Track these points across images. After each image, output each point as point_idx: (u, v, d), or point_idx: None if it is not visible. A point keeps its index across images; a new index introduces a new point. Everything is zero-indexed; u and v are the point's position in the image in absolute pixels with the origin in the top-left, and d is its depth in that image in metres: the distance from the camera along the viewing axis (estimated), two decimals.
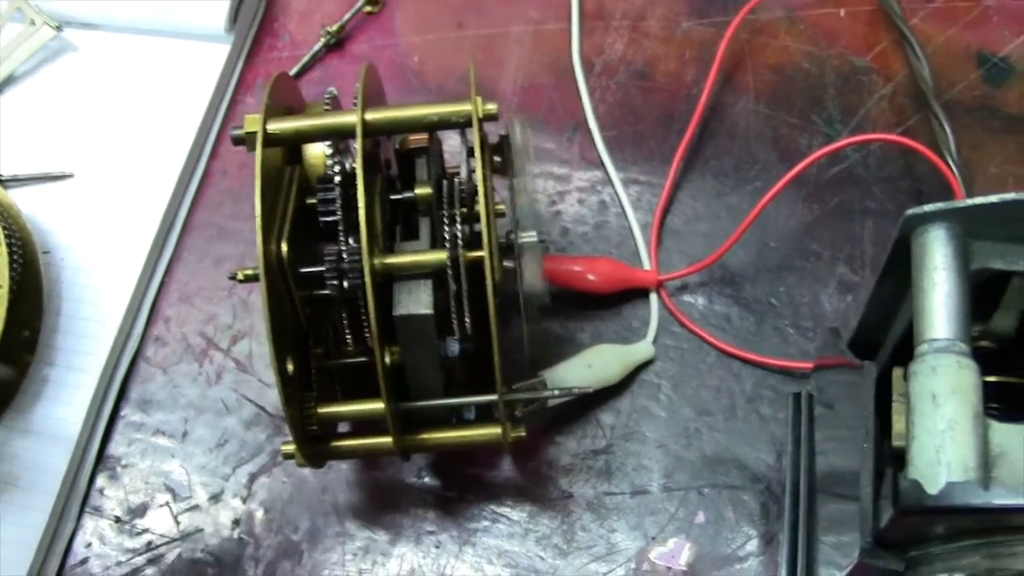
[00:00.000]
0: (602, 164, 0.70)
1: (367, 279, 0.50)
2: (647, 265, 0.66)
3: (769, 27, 0.73)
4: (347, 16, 0.75)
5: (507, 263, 0.56)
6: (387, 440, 0.55)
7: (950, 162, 0.64)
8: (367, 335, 0.53)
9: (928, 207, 0.43)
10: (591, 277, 0.64)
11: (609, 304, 0.66)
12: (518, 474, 0.63)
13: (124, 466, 0.65)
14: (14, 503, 0.64)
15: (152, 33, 0.76)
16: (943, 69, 0.70)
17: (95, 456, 0.65)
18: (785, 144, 0.69)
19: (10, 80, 0.75)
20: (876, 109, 0.70)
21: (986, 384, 0.46)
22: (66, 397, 0.66)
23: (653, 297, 0.66)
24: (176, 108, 0.73)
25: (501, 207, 0.57)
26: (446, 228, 0.52)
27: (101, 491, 0.65)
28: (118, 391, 0.67)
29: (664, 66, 0.73)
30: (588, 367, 0.62)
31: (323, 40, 0.75)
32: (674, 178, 0.68)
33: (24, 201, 0.71)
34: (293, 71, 0.75)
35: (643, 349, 0.64)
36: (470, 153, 0.57)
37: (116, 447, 0.66)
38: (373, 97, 0.57)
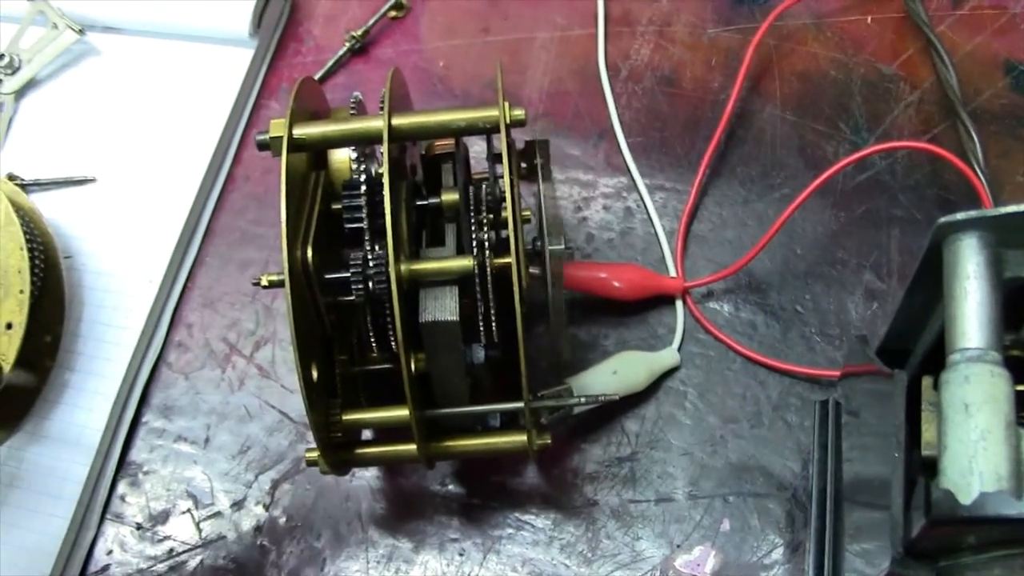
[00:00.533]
0: (628, 170, 0.69)
1: (393, 285, 0.49)
2: (673, 272, 0.66)
3: (796, 34, 0.73)
4: (372, 21, 0.75)
5: (533, 269, 0.55)
6: (412, 447, 0.54)
7: (977, 170, 0.64)
8: (392, 341, 0.53)
9: (960, 215, 0.42)
10: (616, 284, 0.64)
11: (634, 311, 0.65)
12: (543, 481, 0.62)
13: (146, 472, 0.65)
14: (35, 509, 0.64)
15: (175, 37, 0.76)
16: (970, 77, 0.69)
17: (116, 462, 0.65)
18: (812, 151, 0.69)
19: (32, 84, 0.75)
20: (903, 117, 0.69)
21: (1018, 393, 0.46)
22: (87, 403, 0.66)
23: (679, 304, 0.65)
24: (199, 112, 0.73)
25: (527, 213, 0.57)
26: (473, 234, 0.52)
27: (122, 498, 0.65)
28: (140, 397, 0.67)
29: (690, 72, 0.72)
30: (614, 374, 0.61)
31: (348, 45, 0.75)
32: (700, 185, 0.68)
33: (46, 205, 0.71)
34: (318, 76, 0.74)
35: (669, 356, 0.63)
36: (496, 159, 0.56)
37: (137, 453, 0.66)
38: (399, 102, 0.57)
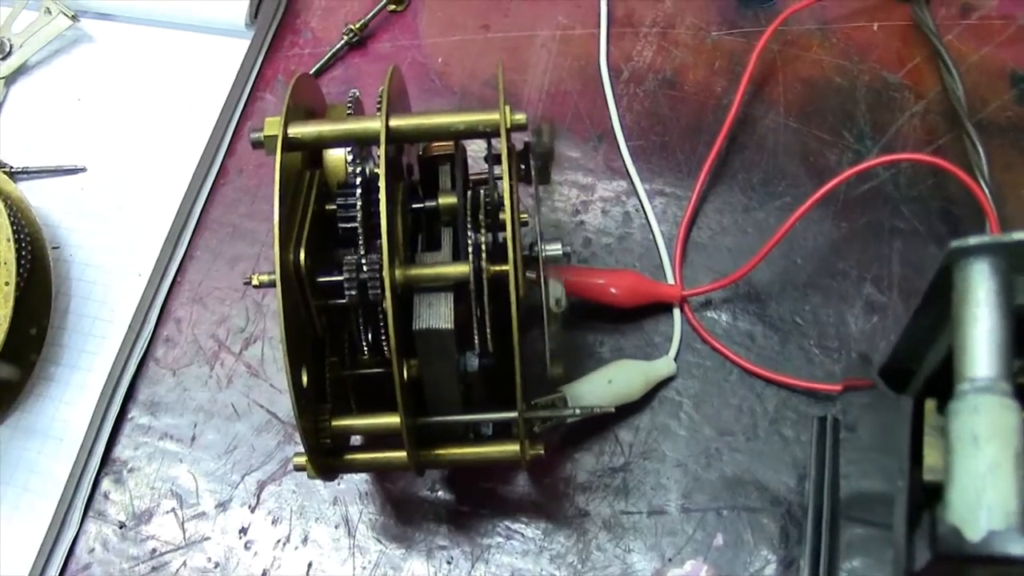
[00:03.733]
0: (627, 174, 0.68)
1: (387, 292, 0.48)
2: (671, 279, 0.65)
3: (801, 39, 0.72)
4: (371, 14, 0.74)
5: (530, 274, 0.54)
6: (401, 455, 0.53)
7: (982, 183, 0.63)
8: (385, 347, 0.52)
9: (972, 240, 0.41)
10: (613, 291, 0.63)
11: (631, 318, 0.64)
12: (534, 490, 0.61)
13: (130, 470, 0.64)
14: (16, 505, 0.63)
15: (171, 26, 0.74)
16: (976, 87, 0.68)
17: (100, 459, 0.64)
18: (814, 159, 0.68)
19: (24, 69, 0.74)
20: (907, 126, 0.68)
21: None
22: (72, 398, 0.65)
23: (676, 312, 0.64)
24: (193, 103, 0.72)
25: (524, 216, 0.56)
26: (469, 239, 0.50)
27: (106, 495, 0.64)
28: (126, 392, 0.66)
29: (693, 75, 0.71)
30: (609, 383, 0.60)
31: (345, 38, 0.74)
32: (700, 191, 0.67)
33: (34, 194, 0.70)
34: (314, 69, 0.73)
35: (665, 365, 0.62)
36: (495, 160, 0.55)
37: (122, 450, 0.65)
38: (397, 100, 0.56)
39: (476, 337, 0.52)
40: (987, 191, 0.62)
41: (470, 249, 0.50)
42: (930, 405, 0.46)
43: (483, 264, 0.50)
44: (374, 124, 0.51)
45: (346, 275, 0.51)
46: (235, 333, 0.67)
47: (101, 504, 0.63)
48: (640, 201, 0.67)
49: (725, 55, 0.72)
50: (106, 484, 0.64)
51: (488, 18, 0.75)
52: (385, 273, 0.48)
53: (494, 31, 0.74)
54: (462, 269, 0.50)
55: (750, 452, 0.61)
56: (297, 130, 0.51)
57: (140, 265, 0.68)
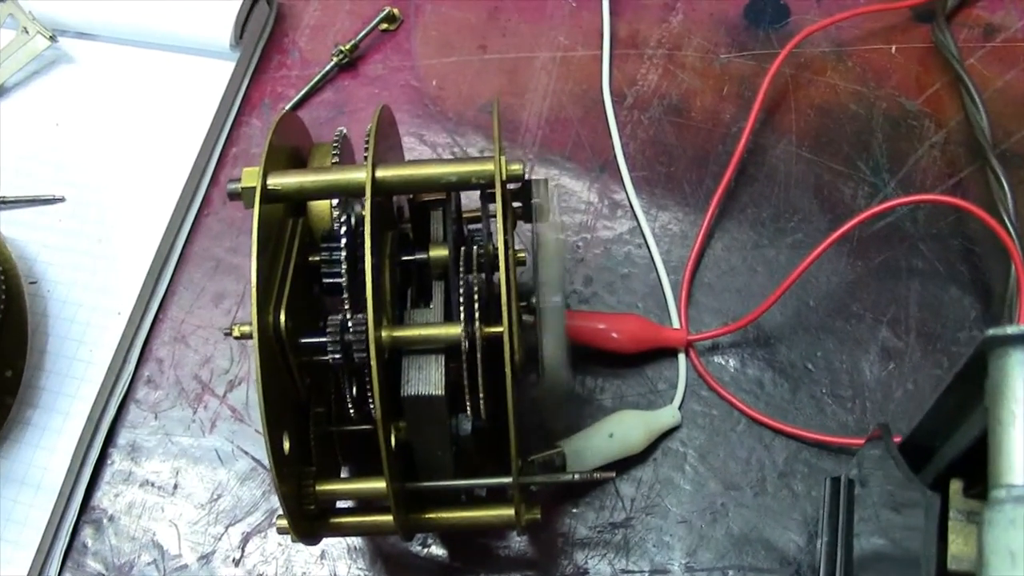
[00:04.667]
0: (631, 207, 0.65)
1: (373, 360, 0.45)
2: (676, 323, 0.62)
3: (815, 63, 0.68)
4: (361, 34, 0.70)
5: (526, 317, 0.51)
6: (389, 519, 0.50)
7: (1007, 222, 0.59)
8: (372, 409, 0.49)
9: (1011, 329, 0.38)
10: (615, 335, 0.60)
11: (634, 363, 0.61)
12: (530, 546, 0.58)
13: (110, 519, 0.61)
14: None
15: (153, 46, 0.71)
16: (1000, 116, 0.65)
17: (79, 507, 0.61)
18: (828, 193, 0.64)
19: None
20: (927, 158, 0.65)
21: None
22: (50, 443, 0.62)
23: (681, 358, 0.61)
24: (176, 129, 0.69)
25: (522, 255, 0.53)
26: (461, 300, 0.47)
27: (85, 545, 0.61)
28: (106, 436, 0.63)
29: (700, 101, 0.68)
30: (609, 437, 0.57)
31: (335, 59, 0.70)
32: (708, 227, 0.63)
33: (10, 226, 0.66)
34: (302, 92, 0.70)
35: (668, 415, 0.59)
36: (491, 198, 0.52)
37: (102, 498, 0.62)
38: (385, 139, 0.53)
39: (469, 404, 0.48)
40: (1012, 231, 0.59)
41: (461, 313, 0.47)
42: (955, 487, 0.43)
43: (476, 328, 0.47)
44: (359, 175, 0.48)
45: (330, 337, 0.48)
46: (219, 375, 0.64)
47: (80, 555, 0.61)
48: (644, 237, 0.64)
49: (735, 79, 0.68)
50: (85, 533, 0.61)
51: (485, 38, 0.71)
52: (370, 338, 0.45)
53: (491, 52, 0.71)
54: (453, 331, 0.47)
55: (758, 508, 0.58)
56: (277, 181, 0.48)
57: (120, 302, 0.64)
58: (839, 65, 0.68)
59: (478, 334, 0.47)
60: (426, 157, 0.67)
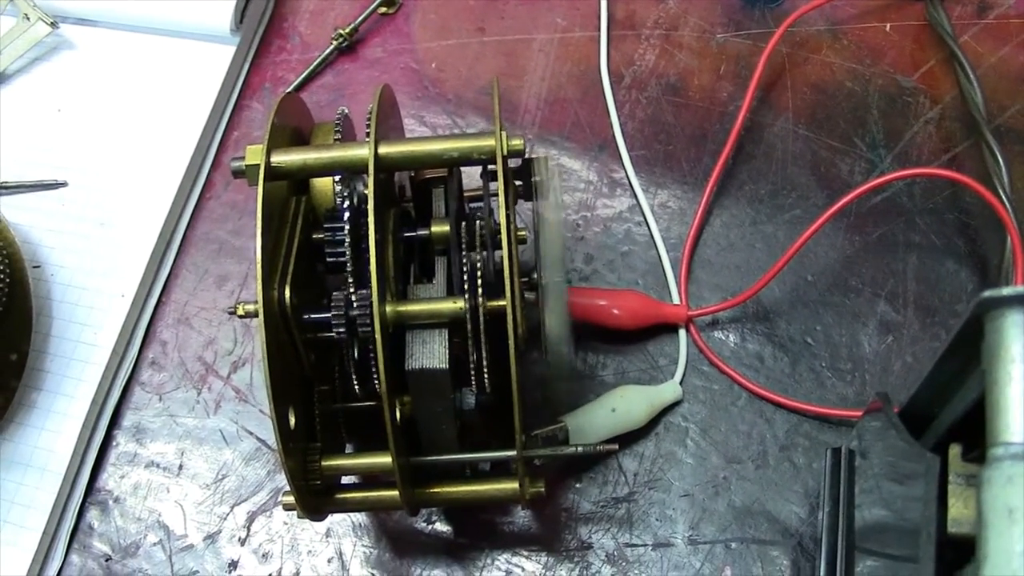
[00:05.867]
0: (630, 186, 0.65)
1: (377, 333, 0.46)
2: (676, 299, 0.62)
3: (810, 41, 0.68)
4: (360, 18, 0.71)
5: (529, 295, 0.52)
6: (394, 494, 0.51)
7: (1002, 195, 0.60)
8: (376, 384, 0.49)
9: (1006, 291, 0.38)
10: (616, 312, 0.60)
11: (634, 340, 0.62)
12: (534, 521, 0.59)
13: (116, 500, 0.62)
14: None
15: (154, 31, 0.71)
16: (995, 91, 0.65)
17: (84, 489, 0.62)
18: (825, 169, 0.65)
19: (1, 79, 0.71)
20: (923, 133, 0.65)
21: None
22: (55, 425, 0.62)
23: (682, 333, 0.61)
24: (177, 113, 0.69)
25: (523, 232, 0.53)
26: (465, 273, 0.48)
27: (91, 526, 0.61)
28: (110, 419, 0.63)
29: (698, 80, 0.68)
30: (612, 411, 0.58)
31: (335, 43, 0.71)
32: (707, 204, 0.64)
33: (13, 211, 0.67)
34: (302, 76, 0.70)
35: (670, 390, 0.60)
36: (491, 177, 0.52)
37: (107, 480, 0.62)
38: (386, 119, 0.53)
39: (473, 378, 0.49)
40: (1008, 204, 0.59)
41: (465, 287, 0.47)
42: (955, 451, 0.44)
43: (479, 301, 0.47)
44: (361, 152, 0.48)
45: (334, 312, 0.48)
46: (223, 356, 0.64)
47: (86, 536, 0.61)
48: (643, 215, 0.65)
49: (731, 58, 0.69)
50: (91, 515, 0.62)
51: (484, 20, 0.71)
52: (375, 313, 0.46)
53: (490, 34, 0.71)
54: (457, 305, 0.48)
55: (760, 481, 0.58)
56: (281, 159, 0.48)
57: (124, 285, 0.65)
58: (834, 43, 0.68)
59: (481, 307, 0.47)
60: None
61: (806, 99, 0.67)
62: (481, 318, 0.47)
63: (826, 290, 0.62)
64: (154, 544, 0.60)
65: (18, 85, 0.71)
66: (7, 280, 0.62)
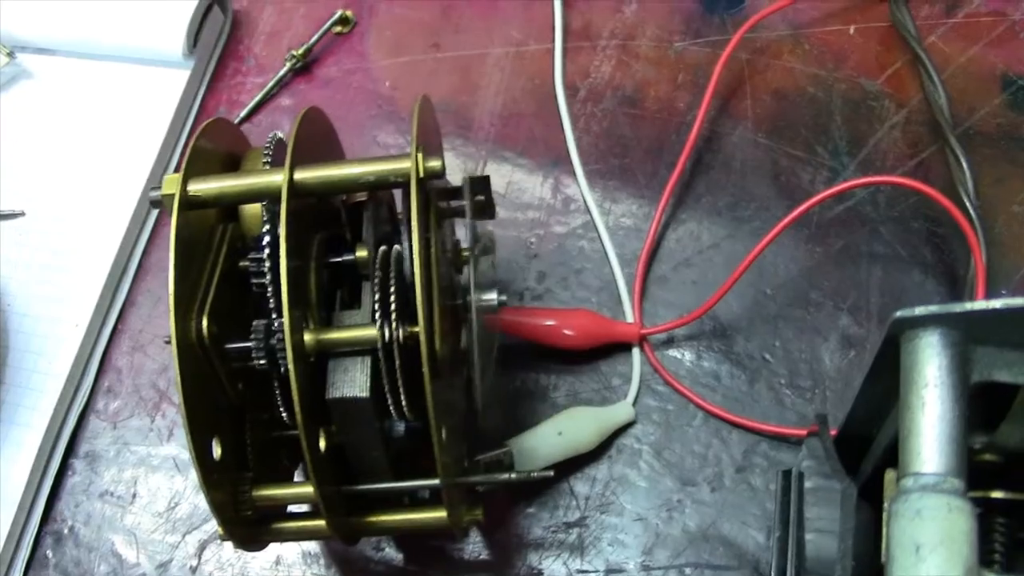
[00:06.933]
0: (584, 201, 0.64)
1: (290, 363, 0.45)
2: (630, 317, 0.61)
3: (771, 47, 0.67)
4: (314, 38, 0.70)
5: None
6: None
7: (967, 203, 0.58)
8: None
9: (919, 310, 0.36)
10: (567, 332, 0.59)
11: (587, 359, 0.60)
12: (484, 547, 0.57)
13: (70, 529, 0.61)
14: None
15: (110, 58, 0.71)
16: (963, 93, 0.63)
17: (40, 519, 0.61)
18: (786, 179, 0.63)
19: None
20: (887, 140, 0.63)
21: (991, 501, 0.40)
22: (9, 455, 0.62)
23: (635, 352, 0.60)
24: (133, 139, 0.69)
25: (466, 255, 0.52)
26: (376, 303, 0.47)
27: (46, 556, 0.61)
28: (66, 448, 0.63)
29: (655, 91, 0.67)
30: (559, 435, 0.56)
31: (288, 64, 0.70)
32: (661, 218, 0.62)
33: None
34: (256, 98, 0.69)
35: (622, 411, 0.58)
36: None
37: (62, 509, 0.62)
38: (316, 145, 0.52)
39: (392, 406, 0.48)
40: (972, 212, 0.57)
41: (377, 313, 0.46)
42: (890, 476, 0.42)
43: (393, 328, 0.46)
44: (276, 179, 0.47)
45: (254, 341, 0.47)
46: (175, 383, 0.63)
47: (41, 567, 0.61)
48: (597, 231, 0.63)
49: (689, 68, 0.67)
50: (46, 544, 0.61)
51: (439, 36, 0.70)
52: (287, 340, 0.45)
53: (444, 50, 0.70)
54: (374, 332, 0.47)
55: (715, 504, 0.57)
56: (198, 187, 0.48)
57: (78, 314, 0.65)
58: (796, 48, 0.66)
59: (395, 334, 0.46)
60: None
61: (766, 106, 0.65)
62: (395, 345, 0.46)
63: (786, 304, 0.60)
64: (107, 574, 0.60)
65: None
66: None
